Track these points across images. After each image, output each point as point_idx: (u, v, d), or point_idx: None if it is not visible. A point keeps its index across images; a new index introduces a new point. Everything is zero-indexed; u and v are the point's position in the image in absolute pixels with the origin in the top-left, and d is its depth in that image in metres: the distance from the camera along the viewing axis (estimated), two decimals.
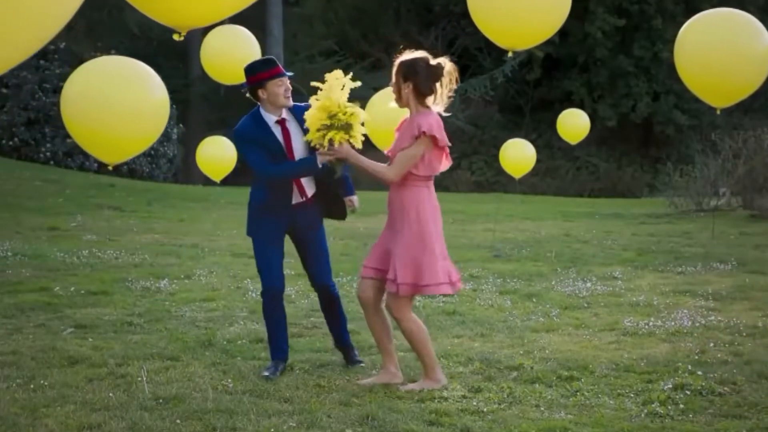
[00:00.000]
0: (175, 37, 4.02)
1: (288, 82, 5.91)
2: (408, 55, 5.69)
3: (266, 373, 5.86)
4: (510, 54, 7.20)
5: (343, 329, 6.31)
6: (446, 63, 5.71)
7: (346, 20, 34.15)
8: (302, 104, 5.97)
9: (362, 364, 6.15)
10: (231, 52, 10.04)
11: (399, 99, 5.69)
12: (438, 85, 5.64)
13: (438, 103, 5.69)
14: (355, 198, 6.24)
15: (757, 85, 7.93)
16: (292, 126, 5.91)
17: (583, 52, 32.47)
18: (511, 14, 6.68)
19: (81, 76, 6.71)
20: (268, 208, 5.96)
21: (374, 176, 5.70)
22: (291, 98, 5.92)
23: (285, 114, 5.92)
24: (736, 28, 7.87)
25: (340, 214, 6.21)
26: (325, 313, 6.36)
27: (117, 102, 6.41)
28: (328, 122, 5.53)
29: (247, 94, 5.99)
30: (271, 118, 5.90)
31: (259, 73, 5.85)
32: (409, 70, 5.60)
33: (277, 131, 5.89)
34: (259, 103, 5.94)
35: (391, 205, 5.71)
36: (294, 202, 5.95)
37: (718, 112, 8.51)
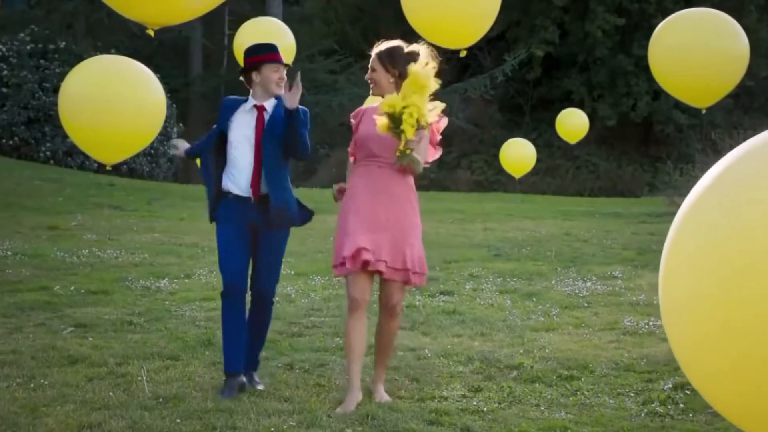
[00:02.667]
0: (149, 31, 4.03)
1: (284, 72, 5.85)
2: (384, 44, 5.61)
3: (223, 395, 5.42)
4: (463, 53, 7.20)
5: (258, 347, 5.79)
6: (422, 49, 5.63)
7: (346, 20, 34.15)
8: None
9: (261, 388, 5.58)
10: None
11: (377, 88, 5.56)
12: None
13: None
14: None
15: (732, 84, 7.92)
16: (269, 118, 5.72)
17: (583, 51, 32.47)
18: (440, 14, 6.70)
19: (77, 75, 6.71)
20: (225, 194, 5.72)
21: (418, 166, 5.35)
22: (283, 88, 5.79)
23: (269, 104, 5.76)
24: (710, 28, 7.86)
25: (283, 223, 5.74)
26: (249, 322, 5.70)
27: (114, 101, 6.41)
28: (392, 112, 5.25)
29: (241, 77, 5.88)
30: (251, 103, 5.74)
31: (256, 55, 5.74)
32: (390, 60, 5.52)
33: (251, 115, 5.72)
34: (250, 91, 5.83)
35: (392, 196, 5.40)
36: (236, 192, 5.66)
37: (703, 112, 8.53)
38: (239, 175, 5.67)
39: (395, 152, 5.28)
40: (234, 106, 5.82)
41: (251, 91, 5.79)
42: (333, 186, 5.71)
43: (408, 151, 5.25)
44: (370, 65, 5.62)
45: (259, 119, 5.71)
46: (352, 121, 5.72)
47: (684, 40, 7.79)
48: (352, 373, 5.32)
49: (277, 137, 5.67)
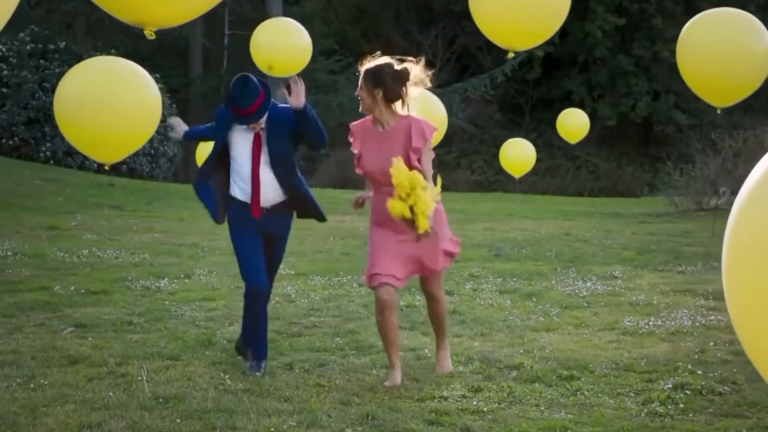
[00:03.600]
0: (148, 34, 4.01)
1: (261, 121, 5.88)
2: (373, 62, 5.69)
3: (258, 373, 5.87)
4: (511, 54, 7.19)
5: (262, 334, 6.04)
6: (413, 67, 5.69)
7: (346, 20, 34.17)
8: (282, 105, 5.99)
9: (258, 374, 5.83)
10: (282, 45, 10.07)
11: (364, 105, 5.68)
12: (404, 90, 5.65)
13: (405, 108, 5.69)
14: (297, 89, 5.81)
15: (757, 85, 7.95)
16: (264, 133, 5.90)
17: (583, 51, 32.49)
18: (511, 15, 6.69)
19: (72, 77, 6.71)
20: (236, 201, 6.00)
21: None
22: (262, 125, 5.89)
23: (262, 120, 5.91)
24: (738, 28, 7.88)
25: (318, 216, 6.21)
26: (244, 312, 6.10)
27: (109, 101, 6.42)
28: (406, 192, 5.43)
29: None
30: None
31: (234, 106, 5.79)
32: (377, 78, 5.60)
33: (249, 133, 5.90)
34: None
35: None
36: (243, 200, 5.93)
37: (718, 112, 8.53)
38: (245, 186, 5.93)
39: (415, 233, 5.48)
40: (229, 117, 5.89)
41: None
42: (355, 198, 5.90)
43: (427, 231, 5.47)
44: (359, 85, 5.68)
45: (256, 138, 5.90)
46: (351, 139, 5.79)
47: (714, 39, 7.81)
48: (393, 359, 5.76)
49: (274, 157, 5.88)
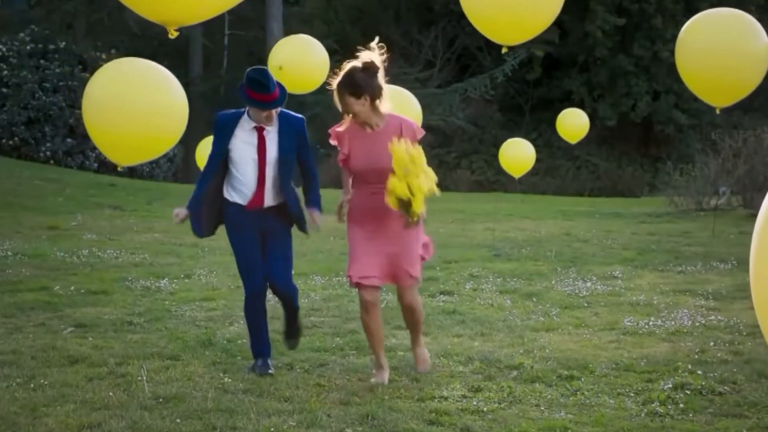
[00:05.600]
0: (171, 34, 4.00)
1: (273, 111, 5.87)
2: (339, 75, 5.66)
3: (270, 371, 5.91)
4: (504, 50, 7.18)
5: (294, 329, 6.28)
6: (373, 55, 5.66)
7: (346, 20, 34.14)
8: (292, 113, 6.01)
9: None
10: (300, 61, 10.06)
11: (355, 116, 5.67)
12: (378, 83, 5.64)
13: (384, 100, 5.70)
14: (317, 215, 6.06)
15: (755, 84, 7.97)
16: (271, 135, 5.88)
17: (583, 51, 32.47)
18: (503, 8, 6.67)
19: (102, 78, 6.70)
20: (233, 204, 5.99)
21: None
22: (273, 119, 5.88)
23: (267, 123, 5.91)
24: (736, 28, 7.91)
25: (299, 226, 6.11)
26: (285, 318, 6.27)
27: (138, 105, 6.42)
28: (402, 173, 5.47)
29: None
30: (251, 123, 5.89)
31: (249, 92, 5.78)
32: (356, 86, 5.59)
33: (253, 136, 5.88)
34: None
35: (388, 219, 5.65)
36: (242, 203, 5.93)
37: (718, 112, 8.54)
38: (247, 189, 5.90)
39: (405, 219, 5.57)
40: (231, 124, 5.89)
41: (247, 108, 5.92)
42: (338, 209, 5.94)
43: (418, 216, 5.58)
44: (339, 101, 5.64)
45: (261, 140, 5.88)
46: (334, 143, 5.81)
47: (712, 39, 7.84)
48: (379, 358, 5.85)
49: (282, 156, 5.89)
